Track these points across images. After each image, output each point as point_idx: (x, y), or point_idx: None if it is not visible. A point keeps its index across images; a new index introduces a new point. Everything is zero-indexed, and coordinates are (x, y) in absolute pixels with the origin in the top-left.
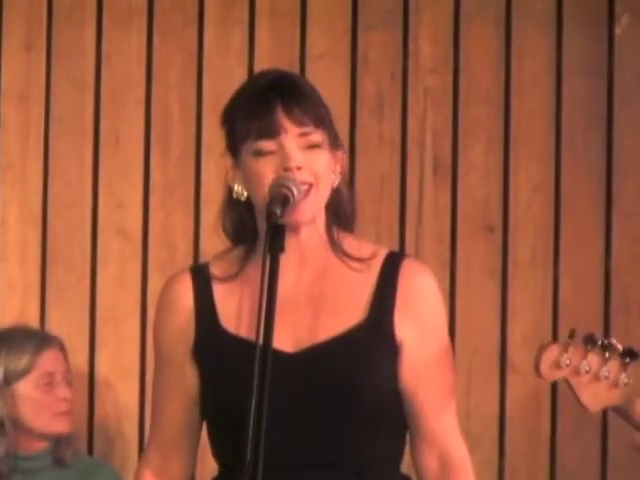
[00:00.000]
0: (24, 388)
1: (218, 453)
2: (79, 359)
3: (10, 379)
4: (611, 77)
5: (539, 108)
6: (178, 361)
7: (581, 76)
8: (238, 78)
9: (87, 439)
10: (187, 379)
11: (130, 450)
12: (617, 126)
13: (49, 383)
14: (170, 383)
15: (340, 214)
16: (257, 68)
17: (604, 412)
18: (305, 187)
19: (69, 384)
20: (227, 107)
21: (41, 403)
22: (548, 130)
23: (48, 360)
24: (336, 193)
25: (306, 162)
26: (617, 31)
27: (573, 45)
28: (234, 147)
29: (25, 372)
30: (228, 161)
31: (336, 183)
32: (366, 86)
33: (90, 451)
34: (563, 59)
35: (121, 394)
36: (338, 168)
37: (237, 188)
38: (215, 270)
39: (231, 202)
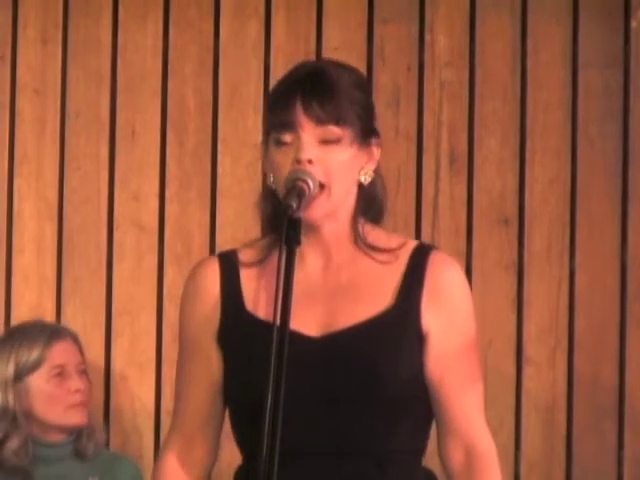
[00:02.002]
0: (36, 382)
1: (240, 440)
2: (95, 352)
3: (21, 373)
4: (627, 70)
5: (555, 101)
6: (204, 348)
7: (597, 69)
8: (254, 71)
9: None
10: (212, 366)
11: (146, 443)
12: (633, 119)
13: (61, 375)
14: (195, 370)
15: (373, 208)
16: (273, 61)
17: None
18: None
19: (83, 375)
20: (270, 95)
21: (53, 396)
22: (564, 123)
23: (59, 352)
24: (371, 187)
25: (320, 156)
26: (633, 24)
27: (589, 38)
28: (265, 135)
29: (36, 365)
30: (263, 149)
31: (368, 179)
32: (382, 79)
33: (106, 444)
34: (579, 52)
35: (137, 387)
36: (371, 165)
37: (269, 176)
38: (243, 257)
39: (265, 191)
